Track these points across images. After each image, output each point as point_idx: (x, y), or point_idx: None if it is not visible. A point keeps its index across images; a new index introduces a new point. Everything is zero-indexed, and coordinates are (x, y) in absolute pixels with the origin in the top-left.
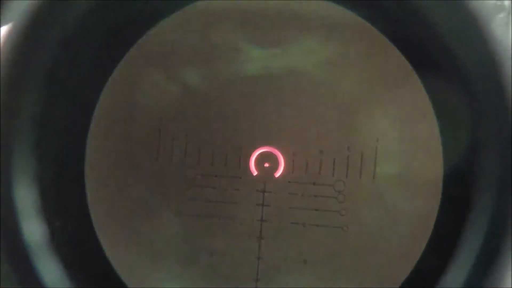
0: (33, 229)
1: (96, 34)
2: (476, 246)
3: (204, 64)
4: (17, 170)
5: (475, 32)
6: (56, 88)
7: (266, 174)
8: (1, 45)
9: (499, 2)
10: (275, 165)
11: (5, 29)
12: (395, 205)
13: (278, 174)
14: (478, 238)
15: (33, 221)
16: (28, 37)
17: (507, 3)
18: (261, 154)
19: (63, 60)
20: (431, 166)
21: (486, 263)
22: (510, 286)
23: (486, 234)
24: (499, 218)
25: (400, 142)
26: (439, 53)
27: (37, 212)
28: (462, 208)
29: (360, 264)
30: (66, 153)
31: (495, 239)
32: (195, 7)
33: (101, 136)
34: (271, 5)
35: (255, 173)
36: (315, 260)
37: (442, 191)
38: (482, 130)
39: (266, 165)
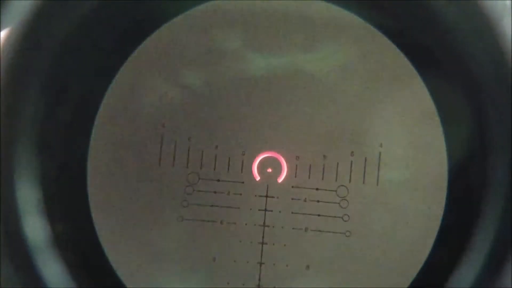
0: (36, 229)
1: (99, 37)
2: (486, 247)
3: (207, 67)
4: (20, 170)
5: (484, 33)
6: (58, 91)
7: (269, 179)
8: (2, 46)
9: (501, 2)
10: (278, 170)
11: (6, 30)
12: (399, 210)
13: (281, 179)
14: (488, 239)
15: (36, 221)
16: (29, 38)
17: (508, 3)
18: (264, 159)
19: (65, 62)
20: (435, 171)
21: (496, 263)
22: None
23: (495, 234)
24: (508, 219)
25: (404, 147)
26: (445, 57)
27: (40, 212)
28: (467, 210)
29: (363, 269)
30: (69, 156)
31: (505, 240)
32: (198, 10)
33: (104, 140)
34: (274, 7)
35: (257, 178)
36: (318, 266)
37: (446, 194)
38: (489, 132)
39: (269, 170)
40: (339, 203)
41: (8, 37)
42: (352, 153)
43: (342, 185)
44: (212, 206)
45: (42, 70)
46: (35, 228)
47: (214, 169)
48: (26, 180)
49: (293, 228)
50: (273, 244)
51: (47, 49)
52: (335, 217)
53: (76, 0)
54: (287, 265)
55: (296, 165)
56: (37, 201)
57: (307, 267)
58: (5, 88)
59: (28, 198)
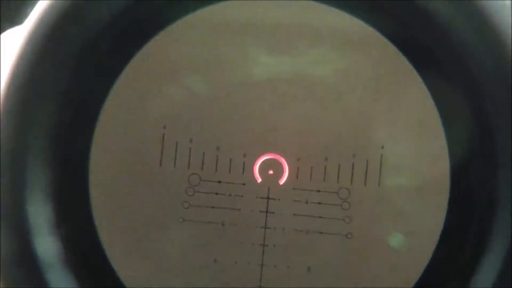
0: (46, 242)
1: (101, 38)
2: (503, 248)
3: (209, 70)
4: (31, 183)
5: (484, 33)
6: (61, 93)
7: (270, 181)
8: (17, 60)
9: (501, 2)
10: (279, 172)
11: (20, 42)
12: (401, 212)
13: (282, 181)
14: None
15: (46, 234)
16: (47, 41)
17: (508, 3)
18: (265, 161)
19: (69, 64)
20: (437, 171)
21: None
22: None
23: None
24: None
25: (405, 148)
26: (445, 57)
27: (49, 224)
28: (469, 210)
29: (365, 272)
30: (70, 160)
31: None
32: (201, 13)
33: (105, 141)
34: (276, 11)
35: (259, 180)
36: (319, 268)
37: (449, 197)
38: (489, 132)
39: (270, 172)
40: (340, 205)
41: (22, 49)
42: (353, 155)
43: (344, 187)
44: (213, 207)
45: (50, 74)
46: (46, 242)
47: (216, 171)
48: (36, 191)
49: (294, 230)
50: (274, 246)
51: (56, 52)
52: (336, 219)
53: (80, 1)
54: (288, 267)
55: (298, 167)
56: (47, 214)
57: (308, 269)
58: (20, 101)
59: (38, 210)
